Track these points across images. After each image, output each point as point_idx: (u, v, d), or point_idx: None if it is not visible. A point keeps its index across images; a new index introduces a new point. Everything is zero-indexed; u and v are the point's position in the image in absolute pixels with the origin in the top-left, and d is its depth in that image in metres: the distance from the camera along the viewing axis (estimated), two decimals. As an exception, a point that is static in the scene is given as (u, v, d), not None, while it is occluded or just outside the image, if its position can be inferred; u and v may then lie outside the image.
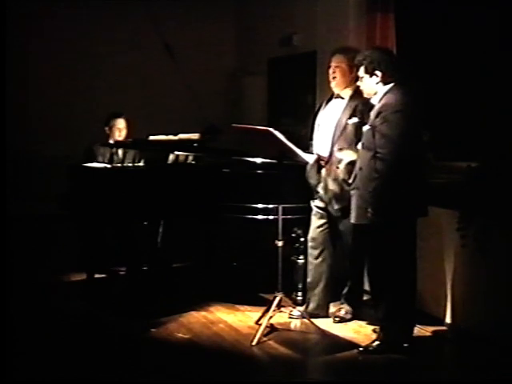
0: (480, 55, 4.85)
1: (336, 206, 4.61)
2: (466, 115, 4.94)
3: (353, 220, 4.23)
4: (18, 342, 4.28)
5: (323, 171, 4.67)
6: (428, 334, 4.53)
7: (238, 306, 5.13)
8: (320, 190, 4.70)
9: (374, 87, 4.16)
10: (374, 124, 4.05)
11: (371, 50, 4.39)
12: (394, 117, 4.00)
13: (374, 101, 4.16)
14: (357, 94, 4.53)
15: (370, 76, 4.14)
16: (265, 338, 4.39)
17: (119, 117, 5.86)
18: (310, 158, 4.66)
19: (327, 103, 4.77)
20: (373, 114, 4.09)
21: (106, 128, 5.87)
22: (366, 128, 4.14)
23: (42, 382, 3.82)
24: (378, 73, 4.12)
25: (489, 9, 4.75)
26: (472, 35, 4.90)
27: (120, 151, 5.73)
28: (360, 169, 4.13)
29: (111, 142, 5.84)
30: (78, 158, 5.73)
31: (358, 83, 4.27)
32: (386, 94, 4.10)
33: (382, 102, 4.08)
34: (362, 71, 4.18)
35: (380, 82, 4.13)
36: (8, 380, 3.66)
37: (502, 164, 4.26)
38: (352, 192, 4.24)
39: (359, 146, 4.25)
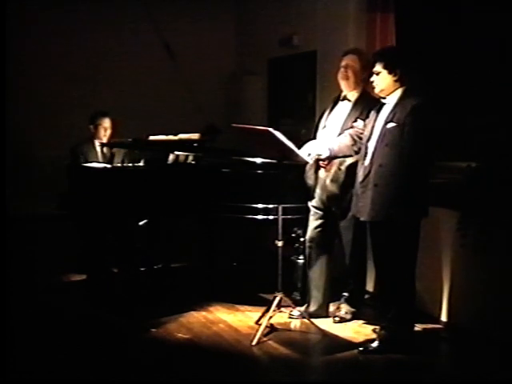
0: (480, 55, 4.84)
1: (334, 208, 4.61)
2: (466, 115, 4.93)
3: (367, 218, 4.11)
4: (18, 342, 4.28)
5: (321, 172, 4.66)
6: (427, 333, 4.53)
7: (237, 306, 5.13)
8: (318, 190, 4.69)
9: (391, 84, 4.09)
10: (405, 122, 3.97)
11: (393, 47, 4.33)
12: (429, 116, 4.00)
13: (389, 101, 4.11)
14: (363, 96, 4.52)
15: (389, 73, 4.08)
16: (265, 338, 4.40)
17: (105, 116, 5.86)
18: (309, 159, 4.65)
19: (334, 105, 4.75)
20: (403, 111, 4.00)
21: (91, 126, 5.86)
22: (391, 125, 4.03)
23: (42, 381, 3.82)
24: (398, 71, 4.07)
25: (489, 8, 4.75)
26: (472, 34, 4.89)
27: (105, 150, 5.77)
28: (380, 166, 4.03)
29: (103, 141, 5.83)
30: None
31: (372, 78, 4.16)
32: (406, 94, 4.06)
33: (411, 101, 4.00)
34: (379, 67, 4.10)
35: (398, 80, 4.08)
36: (8, 380, 3.66)
37: (502, 164, 4.26)
38: (361, 190, 4.13)
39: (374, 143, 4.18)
